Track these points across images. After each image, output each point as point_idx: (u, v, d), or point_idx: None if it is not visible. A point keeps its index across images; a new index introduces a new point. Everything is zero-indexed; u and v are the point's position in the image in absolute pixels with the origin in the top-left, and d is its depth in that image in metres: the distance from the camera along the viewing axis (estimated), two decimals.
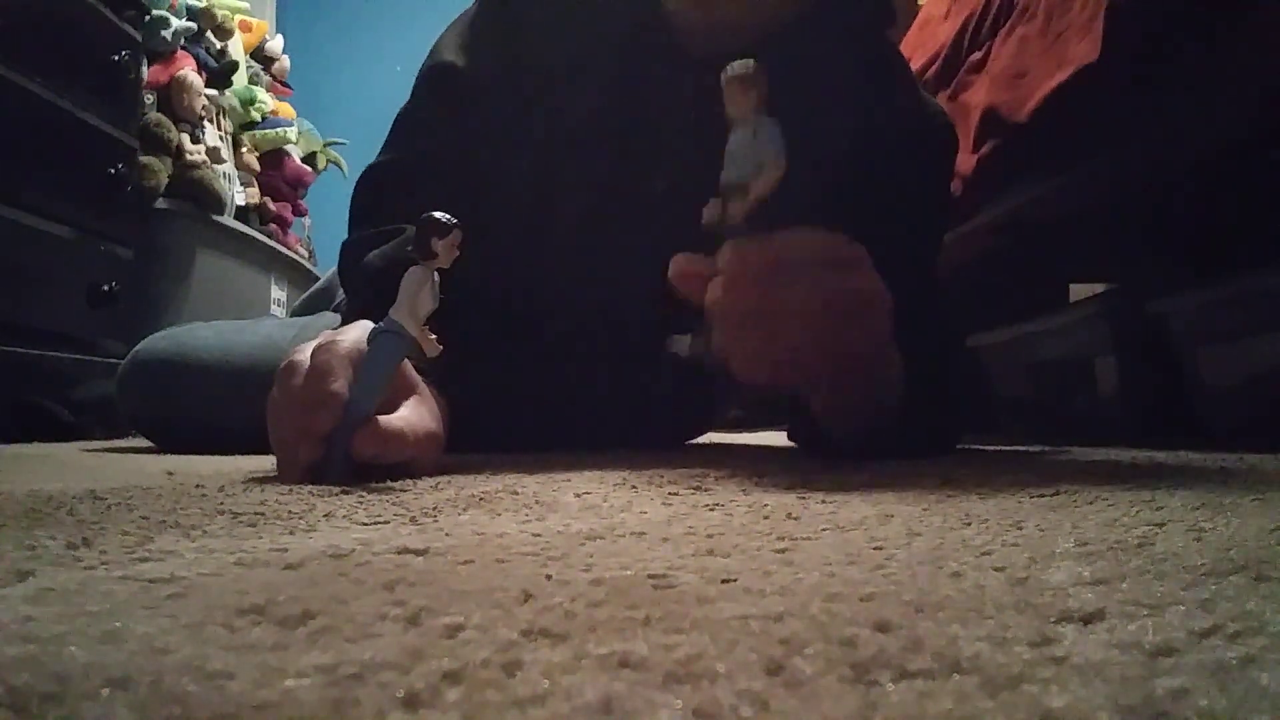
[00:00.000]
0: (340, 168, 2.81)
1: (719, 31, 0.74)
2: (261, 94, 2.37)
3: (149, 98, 1.86)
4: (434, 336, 0.48)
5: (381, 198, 0.76)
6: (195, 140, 1.97)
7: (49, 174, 1.38)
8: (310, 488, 0.44)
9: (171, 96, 1.92)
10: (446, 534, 0.31)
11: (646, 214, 0.75)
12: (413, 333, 0.47)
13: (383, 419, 0.48)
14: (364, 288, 0.67)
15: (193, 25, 2.03)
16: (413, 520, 0.34)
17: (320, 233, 2.76)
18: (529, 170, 0.76)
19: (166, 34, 1.91)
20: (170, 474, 0.57)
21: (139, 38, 1.67)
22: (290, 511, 0.36)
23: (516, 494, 0.43)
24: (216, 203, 1.99)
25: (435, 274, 0.47)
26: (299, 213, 2.62)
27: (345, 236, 0.76)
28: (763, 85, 0.49)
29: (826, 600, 0.20)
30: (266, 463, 0.63)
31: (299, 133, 2.56)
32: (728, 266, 0.48)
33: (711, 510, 0.37)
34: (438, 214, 0.46)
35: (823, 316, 0.48)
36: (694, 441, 1.10)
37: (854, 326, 0.49)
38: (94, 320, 1.49)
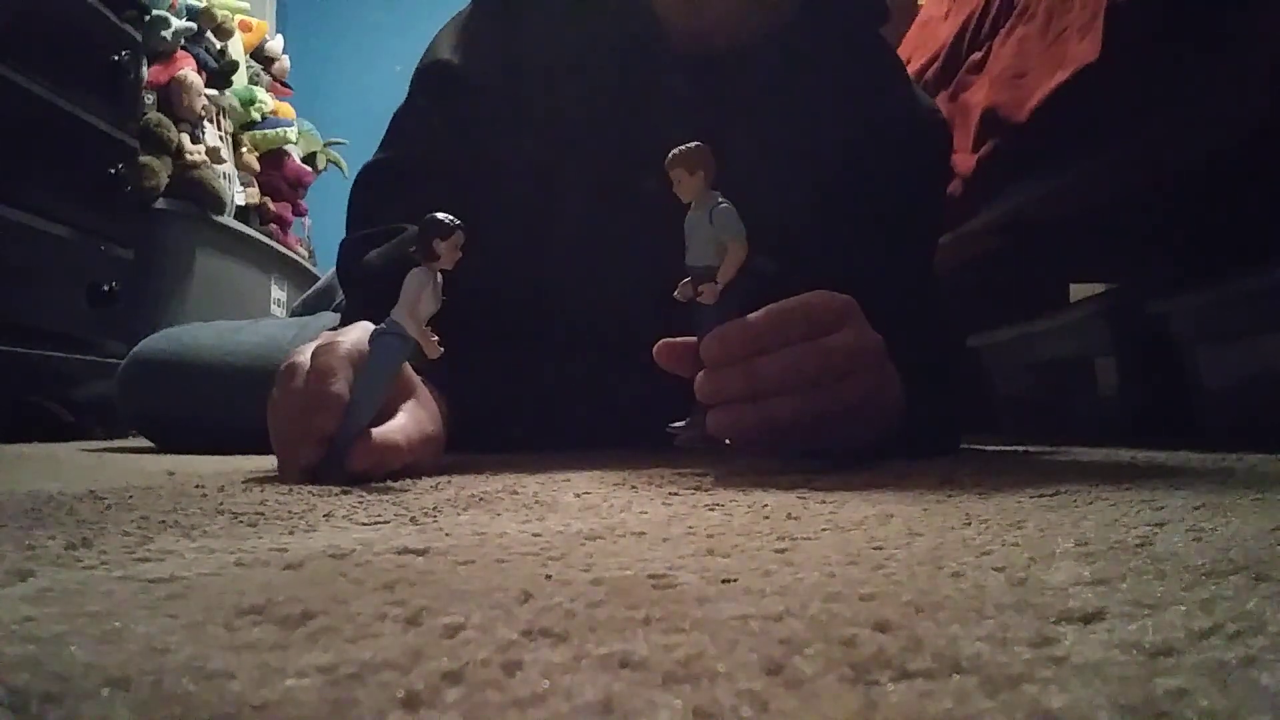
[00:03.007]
0: (340, 168, 2.81)
1: (708, 35, 0.75)
2: (261, 94, 2.37)
3: (149, 98, 1.86)
4: (436, 338, 0.48)
5: (379, 196, 0.76)
6: (195, 140, 1.97)
7: (49, 174, 1.38)
8: (310, 488, 0.44)
9: (171, 96, 1.92)
10: (446, 534, 0.31)
11: (643, 213, 0.75)
12: (414, 334, 0.47)
13: (377, 431, 0.48)
14: (363, 287, 0.67)
15: (193, 25, 2.03)
16: (413, 520, 0.34)
17: (320, 233, 2.76)
18: (527, 168, 0.77)
19: (166, 34, 1.91)
20: (170, 474, 0.57)
21: (139, 38, 1.67)
22: (290, 511, 0.36)
23: (516, 494, 0.43)
24: (216, 203, 1.99)
25: (438, 275, 0.47)
26: (299, 213, 2.62)
27: (343, 235, 0.76)
28: (709, 164, 0.50)
29: (826, 600, 0.20)
30: (266, 463, 0.63)
31: (299, 133, 2.56)
32: (711, 356, 0.49)
33: (711, 510, 0.37)
34: (440, 215, 0.46)
35: (813, 385, 0.49)
36: None
37: (846, 383, 0.50)
38: (94, 320, 1.49)
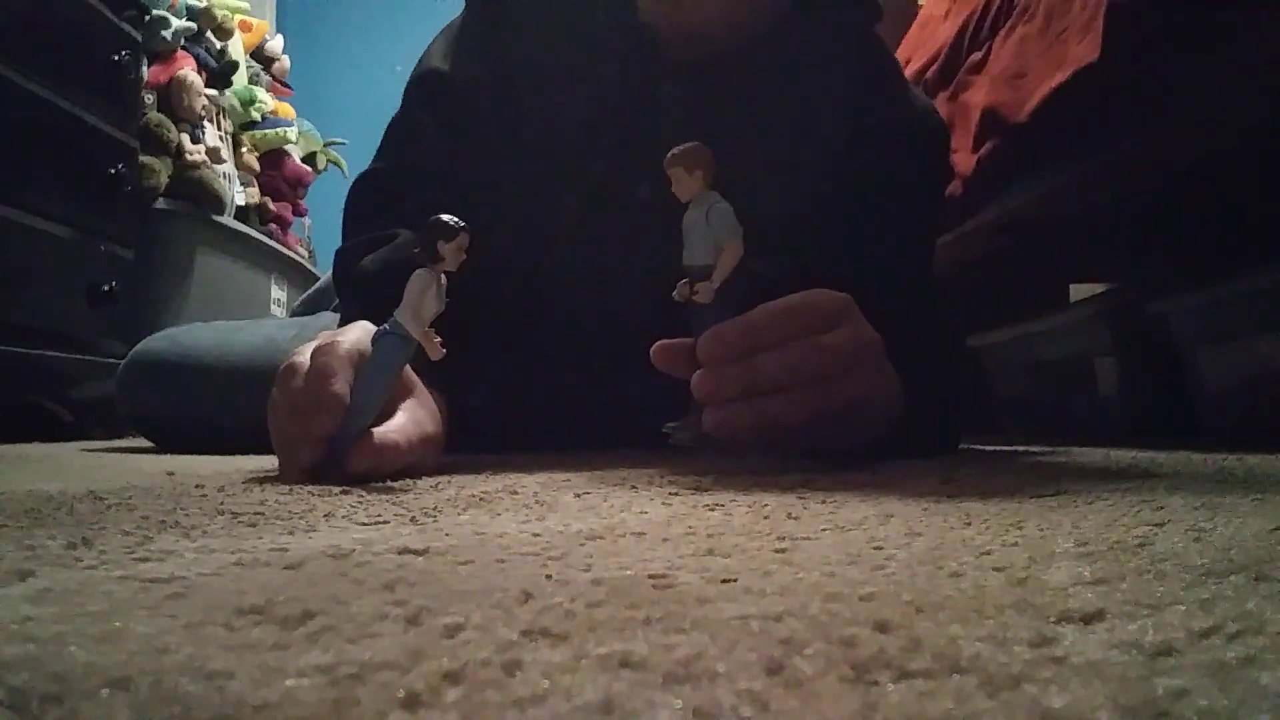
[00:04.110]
0: (340, 168, 2.81)
1: (695, 40, 0.75)
2: (261, 94, 2.37)
3: (149, 98, 1.86)
4: (439, 339, 0.48)
5: (375, 204, 0.77)
6: (195, 140, 1.97)
7: (49, 174, 1.38)
8: (310, 488, 0.44)
9: (171, 96, 1.92)
10: (446, 534, 0.31)
11: (639, 218, 0.75)
12: (416, 335, 0.47)
13: (377, 431, 0.48)
14: (359, 293, 0.67)
15: (193, 25, 2.03)
16: (413, 520, 0.34)
17: (320, 233, 2.76)
18: (522, 174, 0.77)
19: (166, 34, 1.91)
20: (170, 474, 0.57)
21: (139, 38, 1.67)
22: (290, 511, 0.36)
23: (516, 494, 0.43)
24: (216, 203, 1.99)
25: (441, 277, 0.47)
26: (299, 213, 2.62)
27: (340, 241, 0.76)
28: (708, 163, 0.50)
29: (826, 600, 0.20)
30: (266, 463, 0.63)
31: (299, 133, 2.56)
32: (708, 354, 0.49)
33: (711, 510, 0.37)
34: (445, 217, 0.46)
35: (808, 382, 0.49)
36: None
37: (842, 383, 0.50)
38: (94, 320, 1.49)
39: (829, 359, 0.49)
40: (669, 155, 0.50)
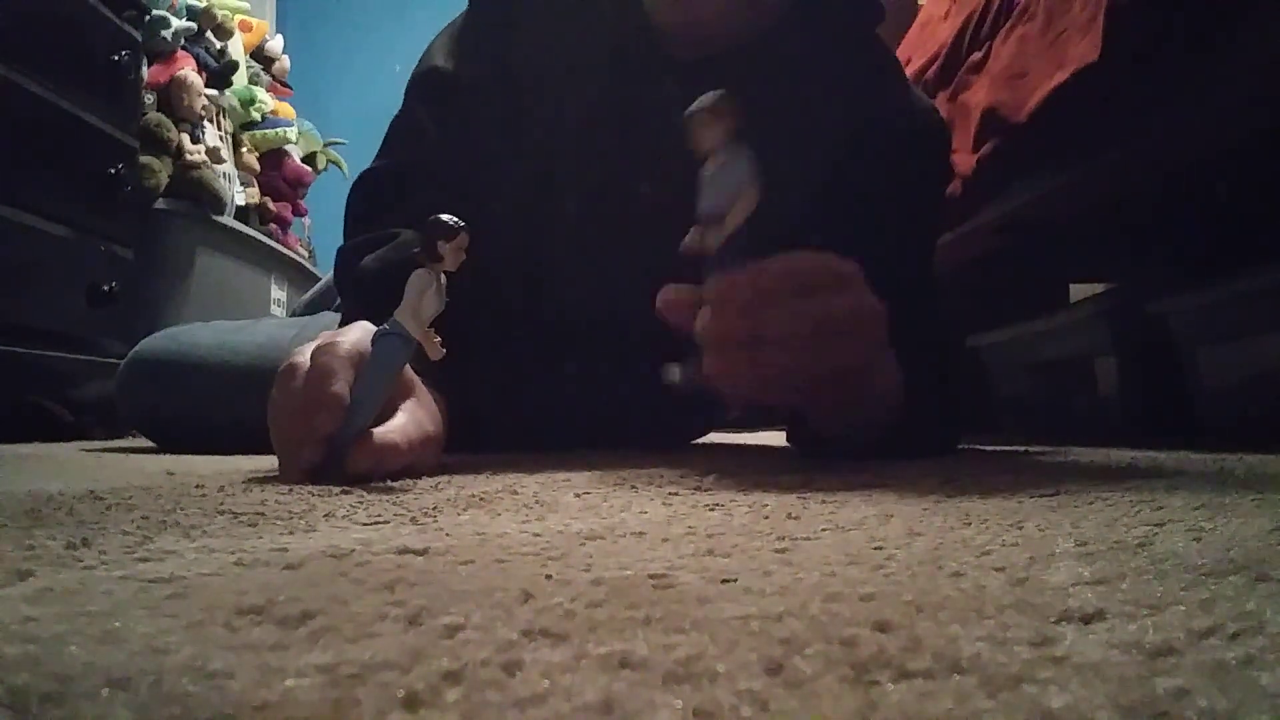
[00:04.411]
0: (340, 168, 2.81)
1: (700, 36, 0.75)
2: (261, 94, 2.37)
3: (149, 98, 1.86)
4: (438, 339, 0.48)
5: (376, 203, 0.77)
6: (195, 140, 1.97)
7: (49, 174, 1.38)
8: (310, 488, 0.44)
9: (171, 96, 1.92)
10: (446, 534, 0.31)
11: (639, 216, 0.75)
12: (416, 335, 0.47)
13: (377, 431, 0.48)
14: (360, 292, 0.67)
15: (193, 25, 2.03)
16: (413, 520, 0.34)
17: (320, 233, 2.76)
18: (523, 173, 0.77)
19: (166, 34, 1.91)
20: (170, 474, 0.57)
21: (139, 38, 1.67)
22: (290, 511, 0.36)
23: (516, 494, 0.43)
24: (216, 203, 1.99)
25: (441, 277, 0.47)
26: (299, 213, 2.62)
27: (341, 242, 0.76)
28: (731, 115, 0.50)
29: (826, 600, 0.20)
30: (266, 463, 0.63)
31: (299, 133, 2.56)
32: (714, 296, 0.49)
33: (711, 510, 0.37)
34: (444, 216, 0.46)
35: (810, 339, 0.49)
36: (695, 441, 1.10)
37: (843, 345, 0.50)
38: (94, 320, 1.49)
39: (833, 319, 0.49)
40: (694, 104, 0.50)
